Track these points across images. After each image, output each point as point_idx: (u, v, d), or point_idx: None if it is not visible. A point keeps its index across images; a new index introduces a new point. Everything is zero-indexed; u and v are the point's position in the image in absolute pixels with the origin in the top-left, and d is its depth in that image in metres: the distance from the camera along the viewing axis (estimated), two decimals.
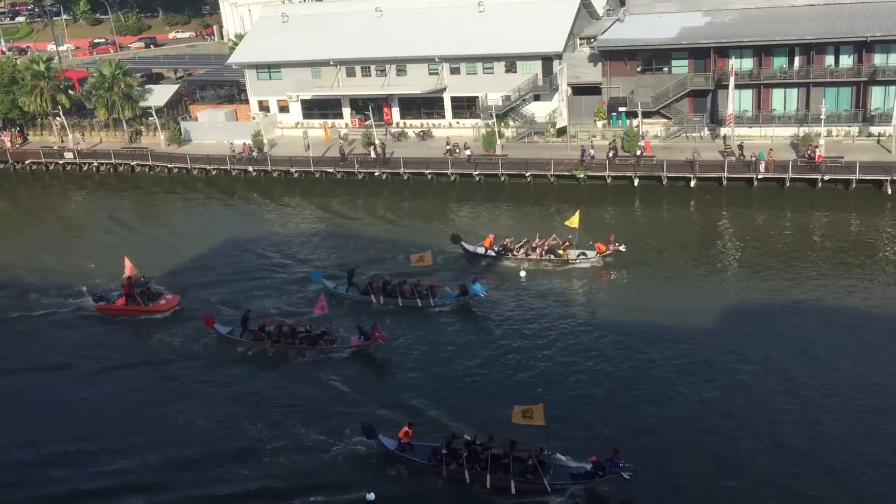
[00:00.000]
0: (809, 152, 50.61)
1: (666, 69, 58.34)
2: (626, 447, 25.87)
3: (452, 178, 57.39)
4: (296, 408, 31.21)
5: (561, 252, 41.62)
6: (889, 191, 47.45)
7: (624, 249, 41.11)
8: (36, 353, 36.76)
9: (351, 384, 32.68)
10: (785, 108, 55.94)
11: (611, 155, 54.36)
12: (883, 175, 47.73)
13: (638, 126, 56.22)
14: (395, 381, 32.97)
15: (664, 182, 52.12)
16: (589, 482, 25.39)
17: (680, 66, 57.88)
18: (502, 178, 56.01)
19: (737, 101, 54.73)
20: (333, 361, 34.51)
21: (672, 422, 28.52)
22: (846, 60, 53.81)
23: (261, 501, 26.39)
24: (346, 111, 68.72)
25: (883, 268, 39.44)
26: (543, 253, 41.92)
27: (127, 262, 40.60)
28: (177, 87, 78.94)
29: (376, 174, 59.25)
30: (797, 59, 54.82)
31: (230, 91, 79.12)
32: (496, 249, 42.88)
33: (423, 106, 66.23)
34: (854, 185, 48.30)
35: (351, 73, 67.64)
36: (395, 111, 67.20)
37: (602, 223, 47.96)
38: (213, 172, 64.38)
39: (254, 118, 70.77)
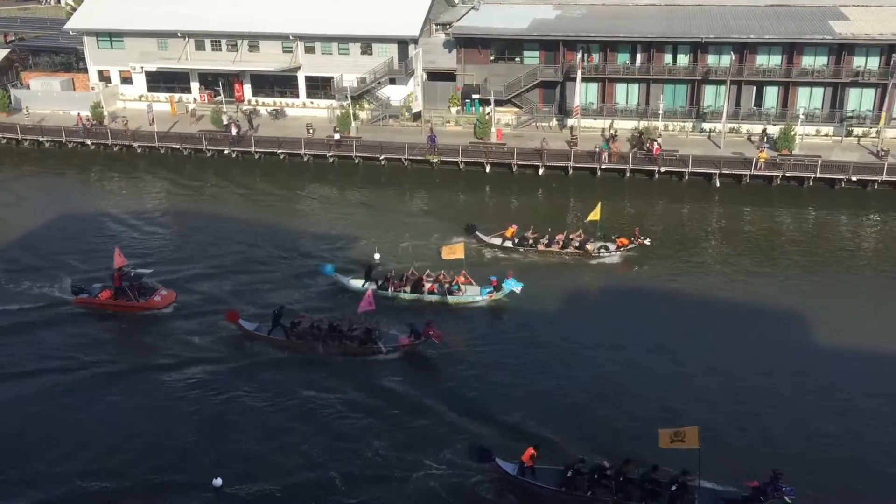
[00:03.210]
0: (648, 145, 53.47)
1: (518, 59, 59.86)
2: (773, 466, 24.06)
3: (305, 158, 56.55)
4: (368, 422, 27.71)
5: (588, 247, 40.61)
6: (717, 183, 50.93)
7: (649, 243, 40.53)
8: (17, 357, 31.96)
9: (420, 392, 29.32)
10: (627, 101, 58.83)
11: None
12: (713, 169, 51.14)
13: (490, 113, 57.41)
14: (466, 388, 29.68)
15: (514, 170, 53.59)
16: None
17: (531, 57, 59.57)
18: (356, 161, 55.76)
19: (583, 93, 57.03)
20: (383, 363, 31.32)
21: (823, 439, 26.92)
22: (683, 59, 57.21)
23: None
24: (195, 86, 66.16)
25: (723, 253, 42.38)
26: (566, 246, 40.85)
27: (117, 252, 36.40)
28: (6, 51, 73.23)
29: (226, 152, 57.48)
30: (639, 56, 57.73)
31: (67, 59, 74.18)
32: (515, 241, 41.43)
33: (277, 84, 64.76)
34: (687, 178, 51.51)
35: (200, 47, 65.12)
36: (247, 88, 65.33)
37: (456, 208, 48.99)
38: (47, 144, 60.47)
39: (93, 88, 66.78)
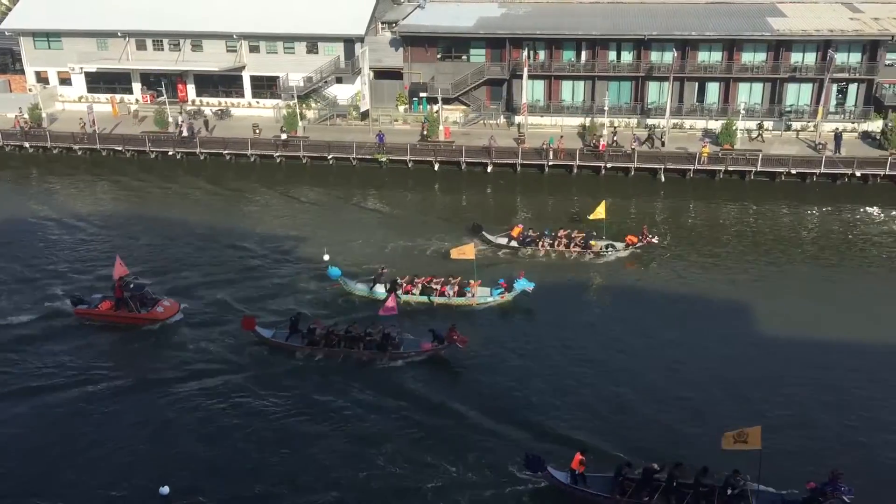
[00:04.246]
0: (594, 141, 54.05)
1: (464, 57, 59.97)
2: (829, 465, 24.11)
3: (252, 159, 55.88)
4: (399, 431, 27.07)
5: (593, 244, 40.71)
6: (662, 178, 51.71)
7: (657, 241, 40.82)
8: (20, 371, 30.90)
9: (448, 398, 28.87)
10: (573, 99, 59.37)
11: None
12: (657, 164, 51.93)
13: (438, 112, 57.45)
14: (494, 393, 29.30)
15: (463, 167, 53.68)
16: None
17: (478, 55, 59.72)
18: (304, 160, 55.29)
19: (530, 90, 57.37)
20: (407, 369, 30.87)
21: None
22: (627, 57, 57.94)
23: None
24: (137, 86, 64.89)
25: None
26: (572, 245, 40.96)
27: (118, 261, 35.14)
28: None
29: (170, 153, 56.52)
30: (584, 54, 58.29)
31: (3, 60, 72.22)
32: (520, 240, 41.38)
33: (221, 84, 63.85)
34: (633, 173, 52.17)
35: (141, 46, 63.89)
36: (191, 88, 64.30)
37: (405, 206, 48.99)
38: None
39: (30, 90, 65.06)
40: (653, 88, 58.03)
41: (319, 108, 61.78)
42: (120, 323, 34.43)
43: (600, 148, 52.75)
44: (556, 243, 41.23)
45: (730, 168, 51.09)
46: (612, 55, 58.04)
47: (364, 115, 59.82)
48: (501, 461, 25.63)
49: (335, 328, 32.30)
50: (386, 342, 31.49)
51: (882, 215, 46.83)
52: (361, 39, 60.47)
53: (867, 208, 47.57)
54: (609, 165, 52.23)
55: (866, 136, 54.96)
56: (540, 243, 41.25)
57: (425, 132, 56.19)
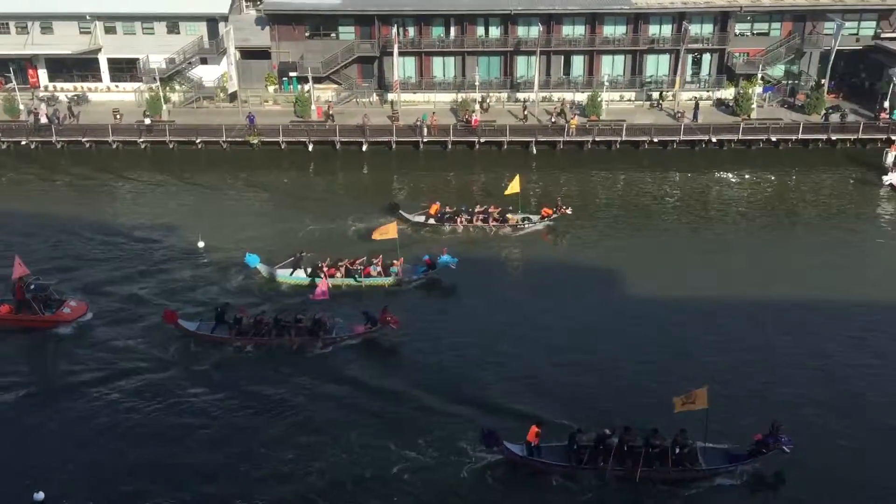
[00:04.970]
0: (467, 117, 54.66)
1: (334, 35, 59.18)
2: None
3: (115, 146, 53.38)
4: (339, 418, 26.58)
5: (510, 217, 41.37)
6: (534, 150, 52.98)
7: (570, 212, 41.62)
8: None
9: (385, 380, 28.73)
10: (444, 74, 59.76)
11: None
12: (528, 137, 53.14)
13: (309, 91, 56.55)
14: (432, 371, 29.32)
15: (338, 147, 53.18)
16: (751, 461, 24.12)
17: (347, 33, 59.06)
18: (171, 146, 53.30)
19: (401, 67, 57.31)
20: (340, 354, 30.38)
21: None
22: (495, 32, 58.75)
23: None
24: None
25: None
26: (490, 219, 41.38)
27: (17, 261, 32.13)
28: None
29: (23, 143, 53.24)
30: (453, 30, 58.67)
31: None
32: (437, 217, 41.42)
33: (76, 68, 60.50)
34: (506, 147, 53.18)
35: None
36: (42, 73, 60.59)
37: (281, 187, 48.20)
38: None
39: None
40: (521, 62, 59.09)
41: (184, 91, 59.59)
42: (22, 327, 32.39)
43: (473, 123, 53.42)
44: (474, 219, 41.88)
45: (597, 139, 52.91)
46: (481, 30, 58.66)
47: (232, 97, 58.17)
48: (449, 438, 25.81)
49: (263, 316, 31.62)
50: (317, 328, 31.11)
51: (736, 177, 49.75)
52: (225, 18, 58.57)
53: (721, 173, 50.32)
54: (483, 140, 53.01)
55: (720, 104, 58.13)
56: (458, 219, 41.83)
57: (331, 111, 55.30)
